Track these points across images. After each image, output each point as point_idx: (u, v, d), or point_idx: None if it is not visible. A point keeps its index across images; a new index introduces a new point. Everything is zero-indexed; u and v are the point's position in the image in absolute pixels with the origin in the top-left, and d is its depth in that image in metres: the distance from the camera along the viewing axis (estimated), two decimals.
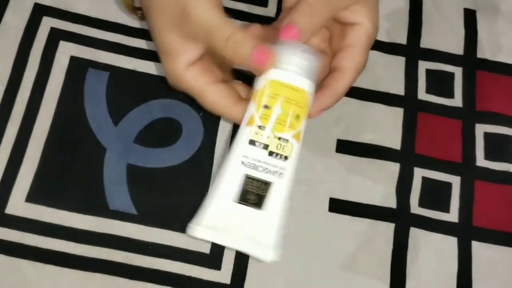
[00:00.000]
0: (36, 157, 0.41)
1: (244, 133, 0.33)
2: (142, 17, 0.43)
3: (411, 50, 0.47)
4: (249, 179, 0.32)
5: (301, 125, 0.33)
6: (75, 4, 0.45)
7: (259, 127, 0.32)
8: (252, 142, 0.32)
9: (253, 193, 0.32)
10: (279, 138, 0.32)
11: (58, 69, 0.43)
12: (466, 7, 0.49)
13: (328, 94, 0.36)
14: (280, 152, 0.32)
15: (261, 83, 0.33)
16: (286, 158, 0.33)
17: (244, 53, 0.33)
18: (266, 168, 0.32)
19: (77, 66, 0.43)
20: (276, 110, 0.32)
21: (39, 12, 0.44)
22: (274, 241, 0.33)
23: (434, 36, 0.48)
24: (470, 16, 0.49)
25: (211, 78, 0.35)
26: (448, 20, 0.49)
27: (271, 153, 0.32)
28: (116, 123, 0.42)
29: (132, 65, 0.44)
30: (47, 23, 0.44)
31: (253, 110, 0.33)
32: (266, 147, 0.32)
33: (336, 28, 0.38)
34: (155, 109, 0.43)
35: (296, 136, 0.33)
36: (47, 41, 0.44)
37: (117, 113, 0.42)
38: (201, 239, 0.32)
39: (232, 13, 0.46)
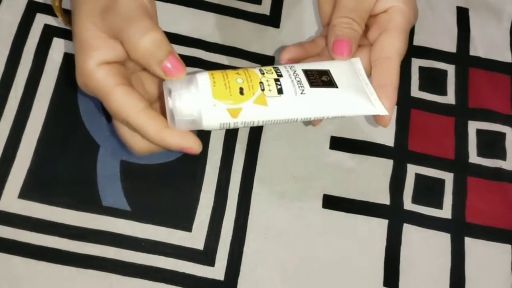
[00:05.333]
0: (29, 153, 0.41)
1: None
2: (67, 22, 0.41)
3: None
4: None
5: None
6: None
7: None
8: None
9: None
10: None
11: (51, 65, 0.43)
12: (459, 5, 0.49)
13: (390, 92, 0.36)
14: None
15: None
16: None
17: (158, 56, 0.31)
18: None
19: (71, 63, 0.43)
20: None
21: (32, 9, 0.44)
22: None
23: (427, 33, 0.48)
24: (462, 14, 0.49)
25: (122, 80, 0.32)
26: (441, 18, 0.49)
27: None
28: (109, 119, 0.42)
29: None
30: (41, 20, 0.44)
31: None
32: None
33: (370, 20, 0.38)
34: None
35: None
36: (40, 38, 0.44)
37: None
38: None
39: (227, 11, 0.47)
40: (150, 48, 0.31)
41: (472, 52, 0.48)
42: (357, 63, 0.37)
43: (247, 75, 0.33)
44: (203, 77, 0.33)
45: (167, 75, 0.32)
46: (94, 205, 0.40)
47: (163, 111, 0.35)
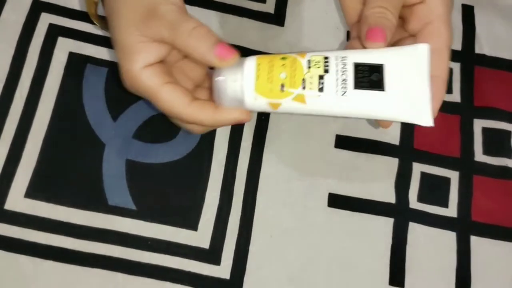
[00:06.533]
0: (35, 153, 0.41)
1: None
2: (104, 27, 0.42)
3: None
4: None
5: None
6: (73, 0, 0.45)
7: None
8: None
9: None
10: None
11: (56, 65, 0.43)
12: (464, 2, 0.49)
13: (439, 86, 0.35)
14: None
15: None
16: None
17: (207, 44, 0.33)
18: None
19: (76, 62, 0.43)
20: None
21: (37, 8, 0.44)
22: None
23: None
24: (468, 12, 0.49)
25: (166, 79, 0.34)
26: None
27: None
28: (115, 118, 0.42)
29: None
30: (46, 19, 0.44)
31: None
32: None
33: (406, 11, 0.37)
34: None
35: None
36: (45, 37, 0.44)
37: (115, 109, 0.42)
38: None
39: (231, 10, 0.47)
40: (200, 42, 0.34)
41: (477, 50, 0.48)
42: (424, 51, 0.33)
43: (293, 67, 0.34)
44: (249, 67, 0.34)
45: (221, 60, 0.34)
46: (100, 204, 0.40)
47: (210, 88, 0.36)
